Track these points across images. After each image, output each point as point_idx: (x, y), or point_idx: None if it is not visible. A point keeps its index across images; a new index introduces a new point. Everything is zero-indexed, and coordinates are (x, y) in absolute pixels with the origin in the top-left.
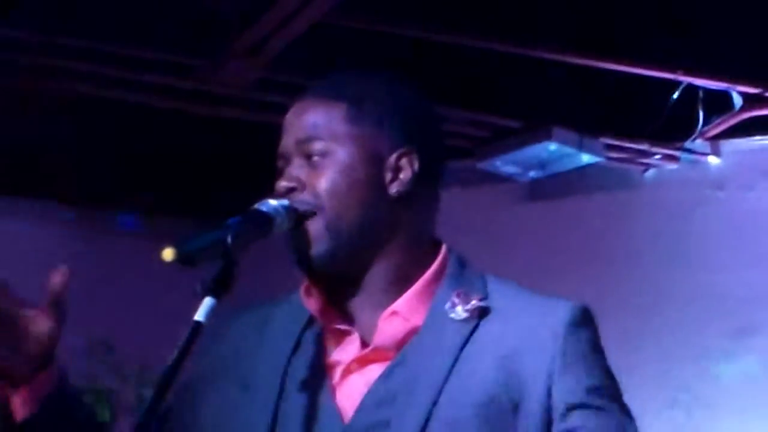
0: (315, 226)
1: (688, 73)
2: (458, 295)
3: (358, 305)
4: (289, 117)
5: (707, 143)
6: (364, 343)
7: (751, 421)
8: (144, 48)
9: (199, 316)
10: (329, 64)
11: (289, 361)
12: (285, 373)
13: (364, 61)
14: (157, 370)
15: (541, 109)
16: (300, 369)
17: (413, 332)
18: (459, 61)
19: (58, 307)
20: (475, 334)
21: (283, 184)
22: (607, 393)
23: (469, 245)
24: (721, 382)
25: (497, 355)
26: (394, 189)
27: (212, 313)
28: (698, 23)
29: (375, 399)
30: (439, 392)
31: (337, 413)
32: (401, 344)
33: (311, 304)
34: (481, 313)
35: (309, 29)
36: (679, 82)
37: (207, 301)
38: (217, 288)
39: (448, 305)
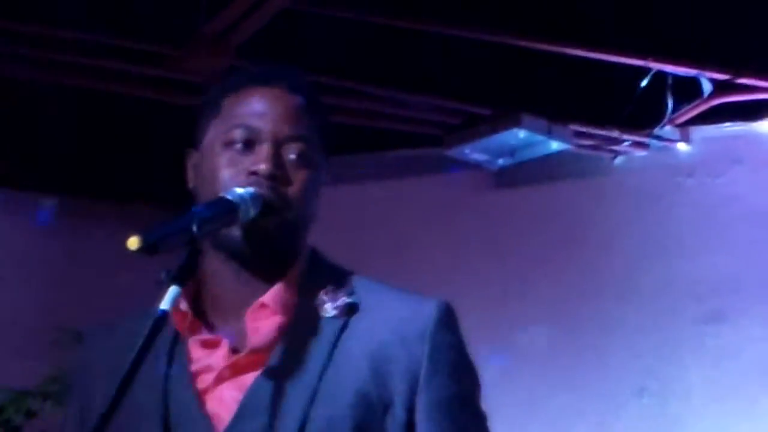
0: (277, 222)
1: (657, 59)
2: (326, 293)
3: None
4: (264, 103)
5: (677, 130)
6: (234, 350)
7: (722, 408)
8: (112, 36)
9: (165, 304)
10: (297, 51)
11: (166, 379)
12: (165, 391)
13: (332, 48)
14: None
15: (510, 97)
16: (177, 384)
17: (282, 330)
18: (427, 48)
19: None
20: (346, 332)
21: (271, 169)
22: (466, 399)
23: (439, 233)
24: (691, 369)
25: (367, 351)
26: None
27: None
28: (667, 9)
29: (251, 406)
30: (314, 392)
31: (209, 423)
32: (273, 345)
33: (179, 318)
34: (350, 309)
35: (276, 16)
36: (649, 69)
37: (172, 290)
38: (182, 276)
39: (317, 302)
